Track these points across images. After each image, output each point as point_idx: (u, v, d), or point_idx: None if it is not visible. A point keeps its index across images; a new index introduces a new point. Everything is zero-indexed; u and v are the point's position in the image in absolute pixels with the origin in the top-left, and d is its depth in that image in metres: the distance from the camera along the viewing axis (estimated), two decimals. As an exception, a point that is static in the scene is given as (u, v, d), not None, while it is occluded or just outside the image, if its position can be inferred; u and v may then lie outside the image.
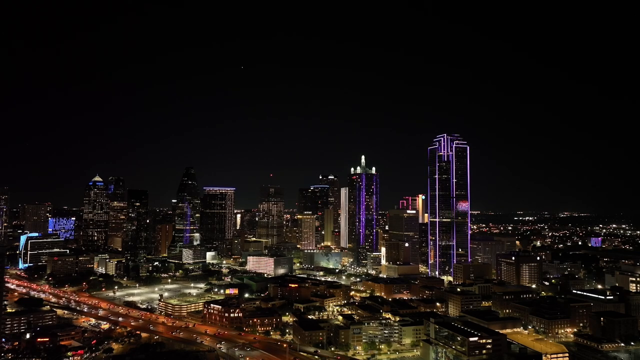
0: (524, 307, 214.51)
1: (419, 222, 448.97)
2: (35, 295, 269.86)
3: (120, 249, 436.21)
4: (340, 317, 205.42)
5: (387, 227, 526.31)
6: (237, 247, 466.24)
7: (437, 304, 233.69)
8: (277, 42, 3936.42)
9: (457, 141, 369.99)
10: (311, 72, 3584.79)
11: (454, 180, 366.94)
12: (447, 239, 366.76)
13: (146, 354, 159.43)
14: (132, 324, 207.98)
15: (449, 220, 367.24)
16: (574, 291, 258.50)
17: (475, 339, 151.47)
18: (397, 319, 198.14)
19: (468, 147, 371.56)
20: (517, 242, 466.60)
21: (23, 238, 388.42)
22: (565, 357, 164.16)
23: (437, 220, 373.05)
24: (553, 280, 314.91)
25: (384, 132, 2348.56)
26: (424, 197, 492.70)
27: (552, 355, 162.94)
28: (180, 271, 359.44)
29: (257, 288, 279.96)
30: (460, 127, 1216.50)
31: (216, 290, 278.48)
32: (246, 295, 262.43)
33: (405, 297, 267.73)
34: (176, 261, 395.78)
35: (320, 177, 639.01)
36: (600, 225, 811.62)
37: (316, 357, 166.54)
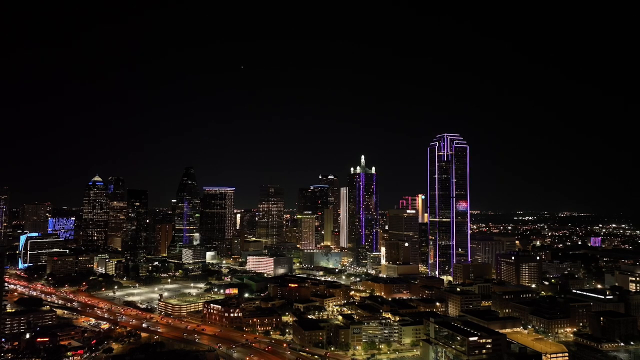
0: (523, 307, 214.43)
1: (418, 222, 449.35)
2: (35, 295, 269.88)
3: (120, 249, 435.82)
4: (340, 317, 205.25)
5: (387, 227, 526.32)
6: (236, 247, 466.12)
7: (437, 303, 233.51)
8: (278, 43, 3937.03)
9: (457, 141, 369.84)
10: (311, 73, 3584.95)
11: (454, 180, 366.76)
12: (447, 238, 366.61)
13: (146, 354, 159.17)
14: (131, 323, 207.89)
15: (448, 220, 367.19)
16: (573, 291, 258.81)
17: (475, 338, 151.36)
18: (397, 318, 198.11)
19: (468, 147, 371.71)
20: (517, 242, 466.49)
21: (23, 238, 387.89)
22: (565, 356, 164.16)
23: (436, 220, 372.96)
24: (553, 280, 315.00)
25: (384, 132, 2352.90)
26: (423, 196, 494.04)
27: (552, 355, 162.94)
28: (180, 271, 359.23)
29: (257, 288, 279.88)
30: (460, 128, 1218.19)
31: (216, 290, 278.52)
32: (246, 295, 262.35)
33: (405, 297, 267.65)
34: (176, 261, 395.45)
35: (320, 177, 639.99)
36: (600, 225, 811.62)
37: (316, 357, 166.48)
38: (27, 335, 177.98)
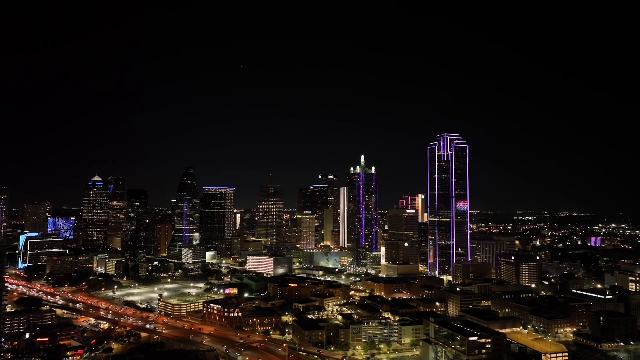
0: (523, 307, 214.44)
1: (418, 222, 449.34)
2: (35, 295, 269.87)
3: (120, 249, 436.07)
4: (340, 317, 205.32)
5: (387, 227, 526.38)
6: (236, 247, 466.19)
7: (437, 303, 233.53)
8: (278, 43, 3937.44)
9: (456, 141, 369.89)
10: (311, 73, 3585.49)
11: (454, 180, 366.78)
12: (447, 238, 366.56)
13: (146, 354, 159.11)
14: (131, 323, 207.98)
15: (448, 220, 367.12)
16: (573, 291, 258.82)
17: (475, 338, 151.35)
18: (397, 318, 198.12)
19: (468, 147, 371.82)
20: (517, 242, 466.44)
21: (23, 238, 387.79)
22: (565, 356, 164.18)
23: (436, 220, 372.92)
24: (553, 280, 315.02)
25: (384, 133, 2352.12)
26: (423, 196, 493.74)
27: (552, 355, 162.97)
28: (180, 271, 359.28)
29: (257, 288, 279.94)
30: (460, 128, 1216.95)
31: (216, 290, 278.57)
32: (246, 295, 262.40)
33: (405, 297, 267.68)
34: (176, 261, 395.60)
35: (320, 177, 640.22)
36: (600, 225, 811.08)
37: (316, 357, 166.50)
38: (27, 335, 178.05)
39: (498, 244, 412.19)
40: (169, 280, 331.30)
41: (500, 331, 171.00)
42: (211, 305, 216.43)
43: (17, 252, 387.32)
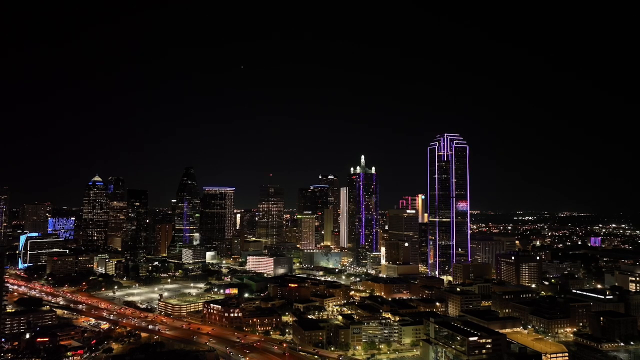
0: (523, 307, 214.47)
1: (418, 222, 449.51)
2: (35, 295, 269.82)
3: (120, 249, 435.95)
4: (340, 317, 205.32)
5: (386, 227, 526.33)
6: (236, 247, 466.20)
7: (437, 303, 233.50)
8: (278, 43, 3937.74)
9: (456, 141, 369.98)
10: (311, 73, 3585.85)
11: (454, 180, 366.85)
12: (447, 238, 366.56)
13: (146, 354, 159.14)
14: (131, 323, 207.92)
15: (448, 220, 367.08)
16: (573, 291, 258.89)
17: (475, 338, 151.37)
18: (397, 318, 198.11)
19: (468, 147, 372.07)
20: (517, 242, 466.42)
21: (23, 238, 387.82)
22: (565, 356, 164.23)
23: (436, 220, 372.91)
24: (553, 280, 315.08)
25: (384, 132, 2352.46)
26: (423, 196, 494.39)
27: (552, 355, 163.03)
28: (180, 271, 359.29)
29: (257, 288, 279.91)
30: (460, 127, 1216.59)
31: (216, 290, 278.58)
32: (246, 295, 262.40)
33: (405, 297, 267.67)
34: (176, 261, 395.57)
35: (320, 177, 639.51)
36: (600, 225, 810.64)
37: (316, 357, 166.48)
38: (27, 335, 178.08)
39: (498, 244, 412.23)
40: (169, 280, 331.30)
41: (500, 331, 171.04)
42: (211, 305, 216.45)
43: (17, 252, 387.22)
